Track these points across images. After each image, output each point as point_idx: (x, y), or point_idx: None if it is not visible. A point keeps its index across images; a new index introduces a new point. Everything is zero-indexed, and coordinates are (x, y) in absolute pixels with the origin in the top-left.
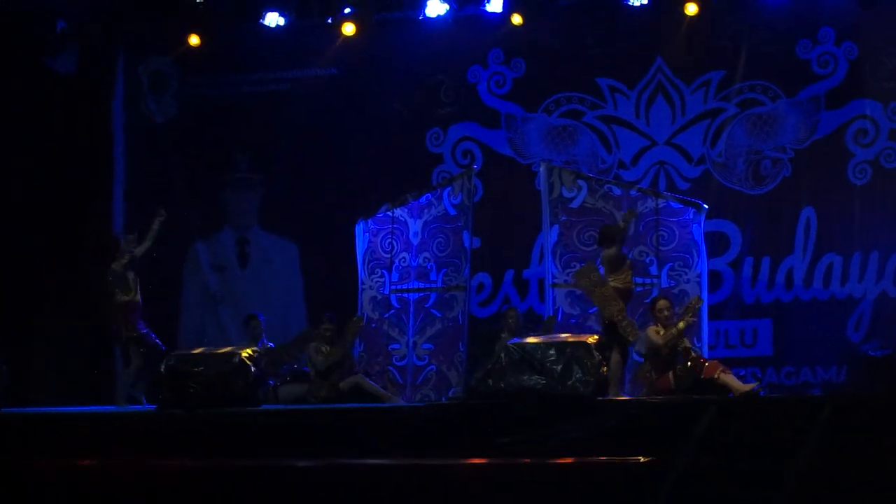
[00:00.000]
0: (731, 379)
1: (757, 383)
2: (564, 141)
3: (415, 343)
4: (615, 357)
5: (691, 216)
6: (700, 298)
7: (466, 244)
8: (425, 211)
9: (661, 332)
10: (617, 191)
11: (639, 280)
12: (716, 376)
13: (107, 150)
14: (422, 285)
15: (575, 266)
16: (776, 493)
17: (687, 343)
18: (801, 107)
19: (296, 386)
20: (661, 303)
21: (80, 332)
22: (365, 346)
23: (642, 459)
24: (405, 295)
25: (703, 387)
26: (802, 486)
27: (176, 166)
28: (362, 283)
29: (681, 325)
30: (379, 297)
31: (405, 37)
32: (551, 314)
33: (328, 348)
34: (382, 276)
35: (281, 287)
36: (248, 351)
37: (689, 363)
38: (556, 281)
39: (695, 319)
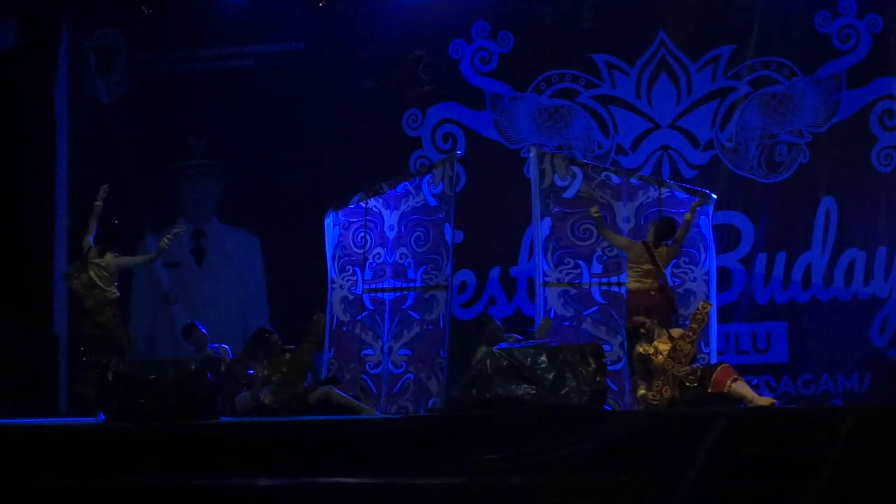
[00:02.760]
0: (744, 389)
1: (774, 397)
2: (557, 123)
3: (390, 348)
4: None
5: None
6: (708, 303)
7: (448, 238)
8: (402, 201)
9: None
10: (616, 179)
11: None
12: (726, 389)
13: (48, 133)
14: (398, 284)
15: (568, 262)
16: None
17: (692, 355)
18: (820, 85)
19: (253, 396)
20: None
21: (15, 334)
22: (335, 352)
23: (644, 478)
24: (380, 295)
25: (712, 400)
26: None
27: (125, 152)
28: (332, 282)
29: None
30: (351, 297)
31: (380, 7)
32: (548, 316)
33: (276, 372)
34: (355, 273)
35: (241, 285)
36: (206, 358)
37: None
38: (547, 279)
39: (699, 328)
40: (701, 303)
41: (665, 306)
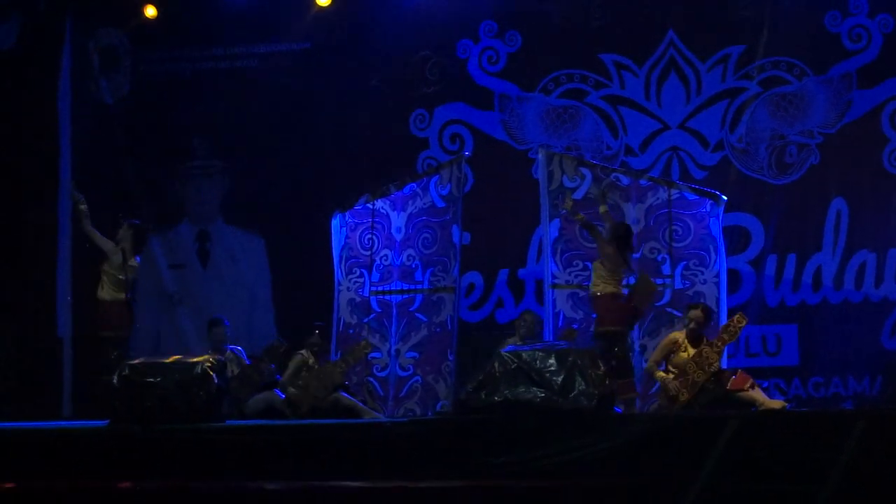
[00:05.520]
0: (759, 395)
1: (784, 400)
2: (565, 124)
3: (398, 351)
4: None
5: (708, 209)
6: (744, 317)
7: (455, 240)
8: (409, 203)
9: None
10: (625, 180)
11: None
12: (745, 388)
13: (51, 133)
14: (406, 286)
15: (577, 264)
16: None
17: (717, 365)
18: (831, 86)
19: (263, 397)
20: (695, 312)
21: (18, 337)
22: (341, 355)
23: (654, 481)
24: (387, 297)
25: (726, 401)
26: None
27: (128, 152)
28: (339, 284)
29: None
30: (357, 299)
31: (386, 7)
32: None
33: (316, 364)
34: (361, 275)
35: (246, 287)
36: (212, 360)
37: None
38: (556, 281)
39: (729, 340)
40: (737, 316)
41: (630, 308)
